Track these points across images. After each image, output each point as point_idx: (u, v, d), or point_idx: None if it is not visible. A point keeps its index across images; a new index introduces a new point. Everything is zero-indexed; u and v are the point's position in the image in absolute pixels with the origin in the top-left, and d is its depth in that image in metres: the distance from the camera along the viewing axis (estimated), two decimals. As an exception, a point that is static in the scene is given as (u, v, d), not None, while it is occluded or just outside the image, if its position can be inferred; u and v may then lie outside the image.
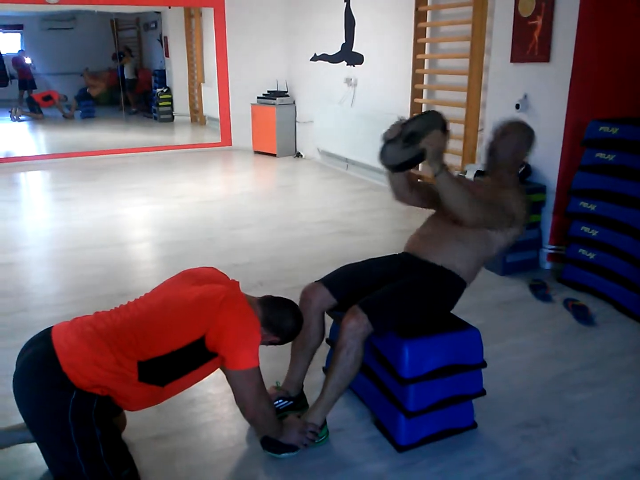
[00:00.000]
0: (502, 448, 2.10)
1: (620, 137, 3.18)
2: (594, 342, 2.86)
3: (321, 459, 2.04)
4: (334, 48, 6.81)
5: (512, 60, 3.88)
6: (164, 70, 12.03)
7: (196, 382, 1.88)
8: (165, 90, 11.64)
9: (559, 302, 3.29)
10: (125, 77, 12.52)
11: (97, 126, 11.18)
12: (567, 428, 2.20)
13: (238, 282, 1.95)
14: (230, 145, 8.40)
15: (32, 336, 1.78)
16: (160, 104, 11.59)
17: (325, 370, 2.41)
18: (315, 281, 2.23)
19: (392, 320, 2.02)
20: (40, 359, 1.66)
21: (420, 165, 2.16)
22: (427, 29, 5.25)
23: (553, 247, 3.78)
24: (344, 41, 6.59)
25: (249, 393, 1.81)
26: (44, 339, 1.70)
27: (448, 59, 5.12)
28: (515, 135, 2.21)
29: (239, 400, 1.85)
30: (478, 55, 4.57)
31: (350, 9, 6.41)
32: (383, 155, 2.15)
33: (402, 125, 2.14)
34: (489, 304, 3.26)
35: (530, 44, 3.70)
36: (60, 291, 3.52)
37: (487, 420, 2.22)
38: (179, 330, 1.71)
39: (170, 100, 11.65)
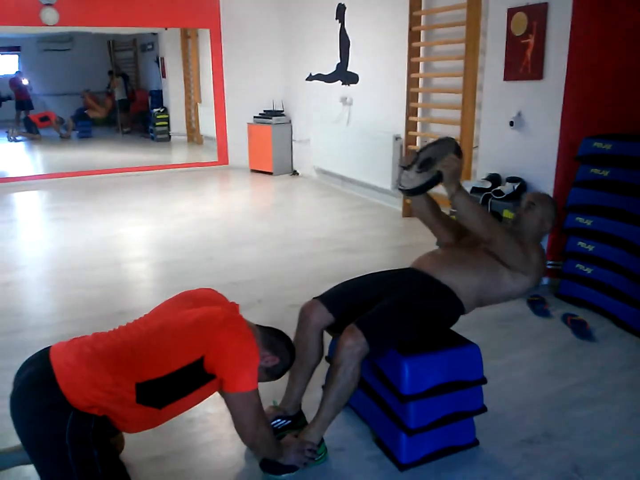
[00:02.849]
0: (504, 465, 2.09)
1: (614, 152, 3.21)
2: (594, 357, 2.86)
3: (323, 477, 2.02)
4: (329, 68, 6.88)
5: (505, 79, 3.93)
6: (161, 91, 12.13)
7: (194, 405, 1.86)
8: (162, 111, 11.71)
9: (557, 318, 3.29)
10: (116, 98, 12.67)
11: (94, 146, 11.21)
12: (569, 444, 2.19)
13: (238, 305, 1.94)
14: (227, 164, 8.44)
15: (29, 356, 1.77)
16: (157, 124, 11.66)
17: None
18: (314, 298, 2.23)
19: (389, 340, 2.01)
20: (37, 379, 1.64)
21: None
22: (421, 48, 5.32)
23: (550, 262, 3.78)
24: (339, 61, 6.66)
25: (247, 417, 1.79)
26: (42, 359, 1.69)
27: (442, 77, 5.18)
28: (540, 208, 2.28)
29: (238, 424, 1.82)
30: (472, 73, 4.62)
31: (345, 29, 6.49)
32: (400, 181, 2.24)
33: (417, 153, 2.26)
34: (488, 320, 3.25)
35: (523, 62, 3.75)
36: (57, 311, 3.50)
37: (488, 438, 2.21)
38: (177, 352, 1.70)
39: (167, 120, 11.72)
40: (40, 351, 1.76)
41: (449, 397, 2.07)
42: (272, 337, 1.94)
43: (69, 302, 3.59)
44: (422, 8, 5.18)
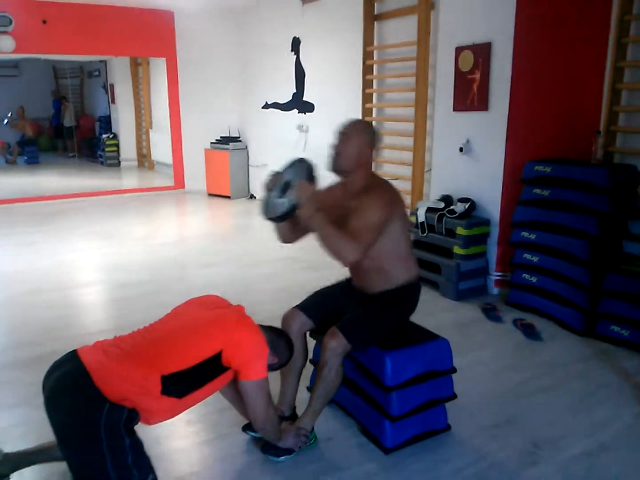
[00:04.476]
0: (474, 446, 2.38)
1: (554, 175, 3.65)
2: (543, 355, 3.23)
3: (317, 464, 2.25)
4: (285, 97, 7.22)
5: (454, 109, 4.35)
6: (109, 117, 12.14)
7: (208, 396, 2.05)
8: (111, 136, 11.73)
9: (508, 322, 3.66)
10: (65, 125, 12.57)
11: (43, 172, 11.11)
12: (528, 426, 2.51)
13: (243, 307, 2.17)
14: (184, 188, 8.58)
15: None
16: (106, 149, 11.66)
17: (309, 388, 2.63)
18: (293, 307, 2.48)
19: (367, 339, 2.29)
20: (73, 377, 1.80)
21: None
22: (374, 80, 5.73)
23: (499, 274, 4.19)
24: (295, 91, 7.01)
25: (260, 402, 2.03)
26: (72, 359, 1.85)
27: (395, 107, 5.59)
28: (357, 138, 2.24)
29: (251, 409, 2.06)
30: (422, 104, 5.03)
31: (299, 61, 6.86)
32: (264, 209, 2.26)
33: (279, 173, 2.25)
34: (447, 325, 3.57)
35: (470, 95, 4.18)
36: (27, 332, 3.54)
37: (459, 423, 2.50)
38: (198, 348, 1.91)
39: (117, 145, 11.73)
40: (67, 354, 1.91)
41: (425, 386, 2.35)
42: (273, 335, 2.17)
43: (40, 324, 3.66)
44: (375, 44, 5.61)
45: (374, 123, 5.83)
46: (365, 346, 2.31)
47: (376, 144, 2.35)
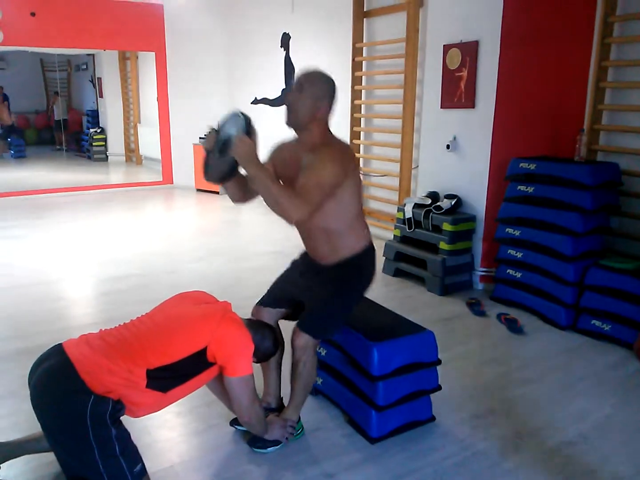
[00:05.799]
0: (458, 436, 2.43)
1: (538, 172, 3.71)
2: (526, 348, 3.29)
3: (304, 454, 2.29)
4: (274, 93, 7.23)
5: (442, 107, 4.40)
6: (97, 111, 12.07)
7: (193, 390, 2.08)
8: (99, 131, 11.66)
9: (492, 317, 3.72)
10: (56, 118, 12.48)
11: (31, 166, 11.01)
12: (510, 416, 2.57)
13: (230, 303, 2.20)
14: (172, 183, 8.57)
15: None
16: (94, 143, 11.59)
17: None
18: (256, 304, 2.47)
19: (331, 327, 2.28)
20: (59, 369, 1.83)
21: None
22: (363, 77, 5.76)
23: (484, 269, 4.25)
24: (285, 86, 7.02)
25: (245, 397, 2.06)
26: (58, 353, 1.88)
27: (383, 104, 5.63)
28: (312, 88, 2.10)
29: (236, 404, 2.08)
30: (410, 101, 5.09)
31: (289, 57, 6.88)
32: (206, 171, 2.15)
33: (215, 131, 2.08)
34: (432, 320, 3.63)
35: (457, 92, 4.24)
36: (16, 325, 3.56)
37: (443, 414, 2.55)
38: (184, 343, 1.94)
39: (104, 140, 11.67)
40: (52, 348, 1.94)
41: (411, 377, 2.40)
42: (259, 330, 2.19)
43: (35, 315, 3.67)
44: (364, 41, 5.64)
45: (362, 120, 5.87)
46: (332, 334, 2.33)
47: (334, 97, 2.16)
